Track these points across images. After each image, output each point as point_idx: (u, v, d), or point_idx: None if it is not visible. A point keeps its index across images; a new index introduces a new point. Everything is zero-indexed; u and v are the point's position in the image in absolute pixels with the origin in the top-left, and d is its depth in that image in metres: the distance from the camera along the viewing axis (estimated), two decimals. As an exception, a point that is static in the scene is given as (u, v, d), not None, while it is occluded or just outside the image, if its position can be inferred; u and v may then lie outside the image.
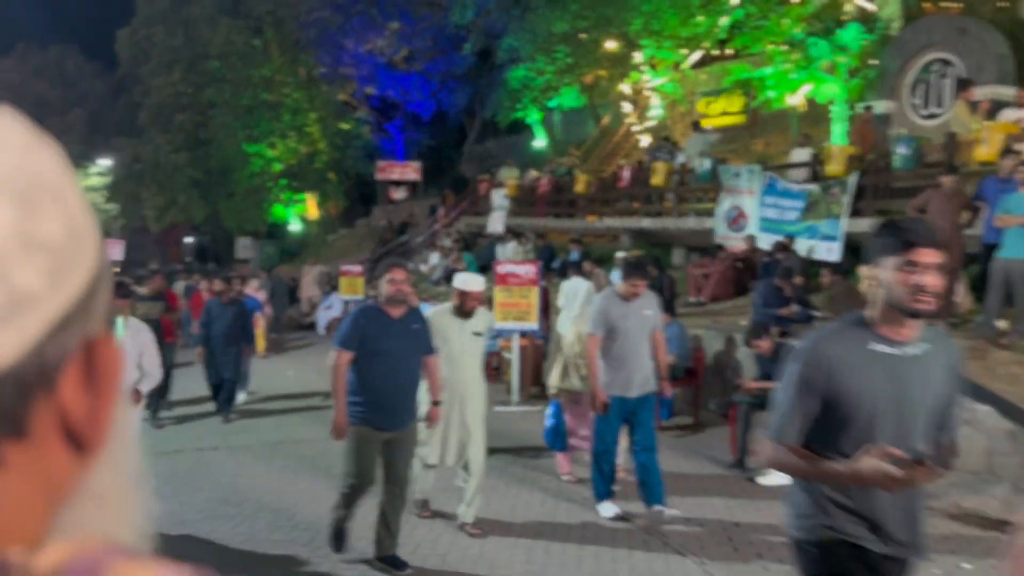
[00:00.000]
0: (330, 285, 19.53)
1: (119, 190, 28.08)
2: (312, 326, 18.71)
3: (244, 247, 30.23)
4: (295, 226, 30.10)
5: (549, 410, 6.70)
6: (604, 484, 5.65)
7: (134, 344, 4.74)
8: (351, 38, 26.91)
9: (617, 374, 5.43)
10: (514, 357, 9.80)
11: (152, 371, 4.80)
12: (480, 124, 28.96)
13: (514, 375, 9.77)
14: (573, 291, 10.93)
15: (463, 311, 5.40)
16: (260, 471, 6.76)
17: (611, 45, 21.46)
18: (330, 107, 27.87)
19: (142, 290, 8.47)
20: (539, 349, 10.73)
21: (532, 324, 9.70)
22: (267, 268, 26.50)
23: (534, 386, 10.48)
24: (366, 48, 27.39)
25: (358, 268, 17.61)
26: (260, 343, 14.61)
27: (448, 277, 17.77)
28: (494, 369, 11.82)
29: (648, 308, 5.54)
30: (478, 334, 5.77)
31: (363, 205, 30.61)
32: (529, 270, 9.76)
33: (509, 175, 20.89)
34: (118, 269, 25.06)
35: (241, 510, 5.65)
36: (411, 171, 26.39)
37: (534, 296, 9.72)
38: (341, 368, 4.42)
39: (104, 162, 30.09)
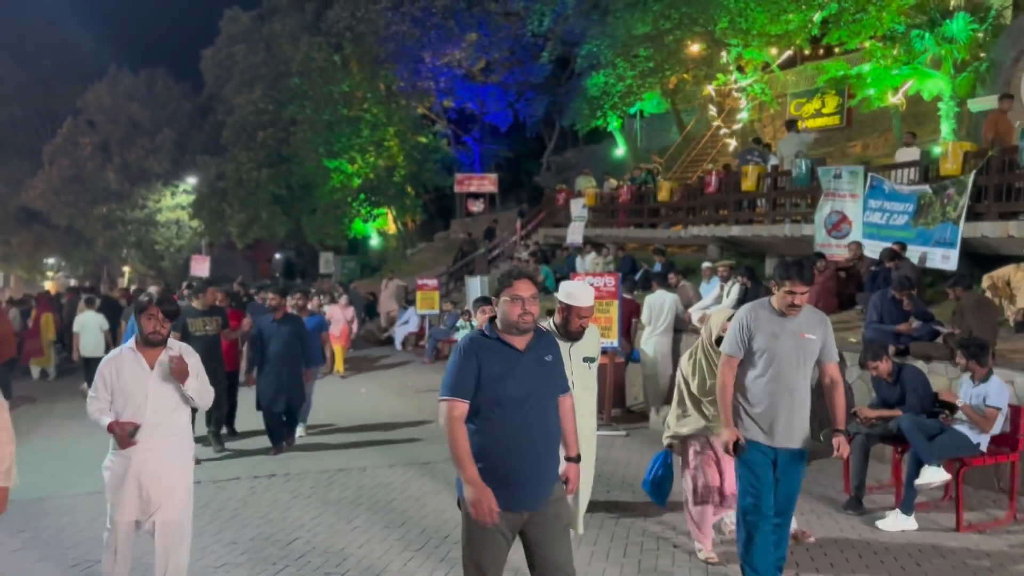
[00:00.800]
0: (407, 300, 19.20)
1: (203, 207, 28.69)
2: (390, 341, 18.39)
3: (326, 262, 30.52)
4: (374, 241, 30.13)
5: (656, 459, 5.30)
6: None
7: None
8: (429, 51, 26.79)
9: (756, 413, 4.01)
10: (593, 377, 9.06)
11: (196, 396, 4.06)
12: (558, 134, 28.40)
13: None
14: (658, 305, 10.12)
15: (569, 331, 4.42)
16: (315, 504, 6.23)
17: (695, 47, 20.58)
18: (408, 121, 27.82)
19: (196, 304, 7.98)
20: (620, 367, 9.95)
21: (612, 340, 8.93)
22: (346, 283, 26.57)
23: (615, 408, 9.71)
24: (443, 61, 27.24)
25: (434, 282, 17.19)
26: (339, 363, 14.20)
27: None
28: (572, 388, 11.10)
29: (811, 331, 4.00)
30: (590, 360, 4.83)
31: (441, 218, 30.43)
32: (609, 282, 9.00)
33: (587, 184, 20.15)
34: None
35: (288, 552, 5.10)
36: (488, 183, 25.99)
37: (614, 310, 8.95)
38: (457, 425, 3.09)
39: (191, 180, 30.83)
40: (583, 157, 27.15)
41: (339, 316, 14.20)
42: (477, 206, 27.56)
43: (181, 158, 31.33)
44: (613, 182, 19.53)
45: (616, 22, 20.43)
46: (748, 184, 14.37)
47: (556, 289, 14.81)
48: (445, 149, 29.10)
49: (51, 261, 40.13)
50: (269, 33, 27.70)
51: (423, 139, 28.21)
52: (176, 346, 4.13)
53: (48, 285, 37.65)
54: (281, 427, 8.16)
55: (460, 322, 14.02)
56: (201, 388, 4.11)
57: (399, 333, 18.23)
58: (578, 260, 17.43)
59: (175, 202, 31.59)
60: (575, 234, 18.03)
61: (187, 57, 32.70)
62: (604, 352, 9.22)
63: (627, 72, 20.70)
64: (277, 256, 36.83)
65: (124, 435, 3.85)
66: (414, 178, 28.15)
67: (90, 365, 11.46)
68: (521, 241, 21.96)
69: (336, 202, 27.42)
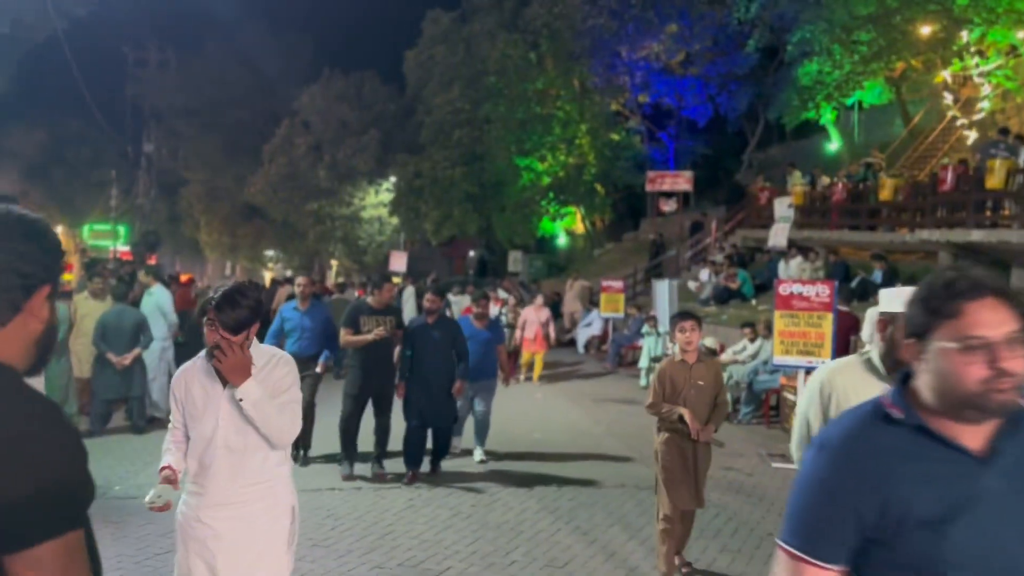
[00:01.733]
0: (591, 302, 18.48)
1: (400, 204, 29.58)
2: (572, 343, 17.76)
3: (515, 260, 30.50)
4: (562, 240, 29.70)
5: None
6: None
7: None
8: (625, 44, 25.87)
9: None
10: (800, 400, 7.81)
11: (264, 423, 2.76)
12: (762, 128, 26.41)
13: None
14: (881, 320, 8.64)
15: (897, 361, 2.63)
16: (473, 526, 5.62)
17: (926, 28, 18.15)
18: (601, 118, 27.06)
19: (371, 300, 7.49)
20: (832, 392, 8.59)
21: (824, 359, 7.65)
22: (533, 282, 26.32)
23: (824, 437, 8.37)
24: (641, 54, 26.18)
25: (619, 284, 16.32)
26: (536, 369, 13.01)
27: (721, 296, 15.88)
28: (771, 408, 9.83)
29: None
30: None
31: (631, 218, 29.38)
32: (822, 292, 7.72)
33: (795, 181, 18.35)
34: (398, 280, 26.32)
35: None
36: (682, 181, 24.64)
37: (828, 325, 7.66)
38: None
39: (393, 179, 31.96)
40: (790, 153, 25.03)
41: (533, 318, 13.00)
42: (669, 205, 26.23)
43: (385, 157, 32.55)
44: (825, 179, 17.64)
45: (834, 3, 18.45)
46: (993, 181, 12.24)
47: (754, 296, 13.25)
48: (638, 146, 28.04)
49: (270, 253, 43.45)
50: (468, 33, 28.06)
51: (615, 136, 27.34)
52: (265, 355, 2.88)
53: (266, 275, 40.87)
54: (419, 448, 6.95)
55: (645, 328, 13.07)
56: (280, 414, 2.76)
57: (582, 335, 17.54)
58: (781, 265, 15.86)
59: (378, 200, 32.90)
60: (779, 236, 16.42)
61: (394, 60, 33.94)
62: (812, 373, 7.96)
63: (845, 60, 18.67)
64: (471, 253, 37.48)
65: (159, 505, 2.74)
66: (604, 176, 27.36)
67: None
68: (716, 243, 20.52)
69: (525, 200, 27.23)
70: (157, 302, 8.97)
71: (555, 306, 20.82)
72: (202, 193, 40.35)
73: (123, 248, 39.33)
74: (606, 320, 16.55)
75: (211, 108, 40.35)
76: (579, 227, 29.90)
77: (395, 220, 31.33)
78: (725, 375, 10.31)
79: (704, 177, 26.49)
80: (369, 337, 6.77)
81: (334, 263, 39.66)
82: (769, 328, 10.21)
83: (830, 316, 7.66)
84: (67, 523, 1.20)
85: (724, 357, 10.60)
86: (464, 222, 28.05)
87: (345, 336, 6.97)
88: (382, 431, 7.02)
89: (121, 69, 46.00)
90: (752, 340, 10.54)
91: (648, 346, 12.76)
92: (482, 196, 27.95)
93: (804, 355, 7.69)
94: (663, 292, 13.66)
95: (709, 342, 11.32)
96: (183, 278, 17.73)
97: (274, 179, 34.51)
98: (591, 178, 27.08)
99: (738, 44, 24.24)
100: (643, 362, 12.84)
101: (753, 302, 14.92)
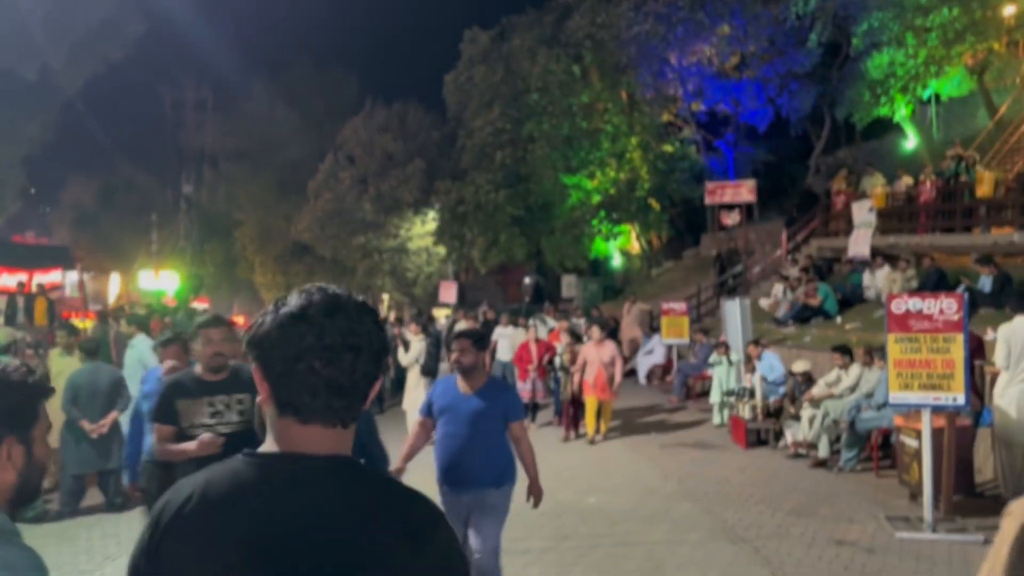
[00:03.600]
0: (651, 326, 16.83)
1: (444, 232, 28.54)
2: (632, 373, 16.01)
3: (568, 285, 29.03)
4: (616, 261, 28.11)
5: None
6: None
7: None
8: (675, 50, 24.34)
9: None
10: (925, 446, 6.08)
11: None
12: (829, 130, 24.48)
13: (926, 477, 6.03)
14: (1021, 338, 6.87)
15: None
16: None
17: (1011, 7, 16.26)
18: (652, 129, 25.53)
19: (408, 335, 6.22)
20: (967, 433, 6.81)
21: (956, 394, 5.94)
22: (593, 307, 24.77)
23: (958, 493, 6.58)
24: (691, 60, 24.64)
25: (682, 306, 14.67)
26: (598, 423, 10.40)
27: (800, 315, 14.01)
28: (879, 457, 8.06)
29: None
30: None
31: (690, 234, 27.59)
32: (948, 307, 6.00)
33: (875, 183, 16.46)
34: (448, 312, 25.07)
35: None
36: (745, 191, 22.85)
37: (958, 350, 5.94)
38: None
39: (440, 209, 31.05)
40: (862, 155, 23.04)
41: (593, 357, 10.35)
42: (732, 218, 24.43)
43: (429, 186, 31.75)
44: (908, 179, 15.72)
45: (906, -15, 16.69)
46: None
47: (838, 313, 10.80)
48: (693, 157, 26.33)
49: (322, 290, 42.99)
50: (508, 51, 27.01)
51: (669, 147, 25.72)
52: None
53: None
54: None
55: (714, 356, 11.37)
56: None
57: (643, 364, 15.88)
58: (866, 276, 14.02)
59: (424, 230, 32.03)
60: (860, 244, 14.57)
61: (436, 87, 33.25)
62: (941, 411, 6.23)
63: (919, 49, 16.87)
64: (526, 280, 36.28)
65: None
66: (659, 191, 25.71)
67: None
68: (788, 255, 18.67)
69: (575, 220, 25.77)
70: (140, 355, 7.77)
71: (613, 332, 19.24)
72: (255, 234, 40.49)
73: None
74: (669, 347, 14.90)
75: (260, 149, 40.59)
76: (634, 246, 28.25)
77: (441, 249, 30.39)
78: (819, 411, 8.59)
79: (768, 186, 24.65)
80: (191, 449, 3.67)
81: (385, 296, 38.94)
82: (870, 354, 8.48)
83: (960, 338, 5.95)
84: None
85: (816, 391, 8.86)
86: (511, 247, 26.74)
87: (158, 443, 3.90)
88: None
89: (160, 110, 46.62)
90: (845, 368, 8.79)
91: (719, 377, 11.06)
92: (529, 219, 26.65)
93: (929, 390, 5.98)
94: (734, 313, 11.95)
95: (800, 366, 9.61)
96: (237, 321, 16.91)
97: (320, 215, 34.08)
98: (644, 193, 25.48)
99: (797, 41, 22.52)
100: (714, 396, 11.14)
101: (838, 320, 13.06)
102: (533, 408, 11.85)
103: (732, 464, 8.58)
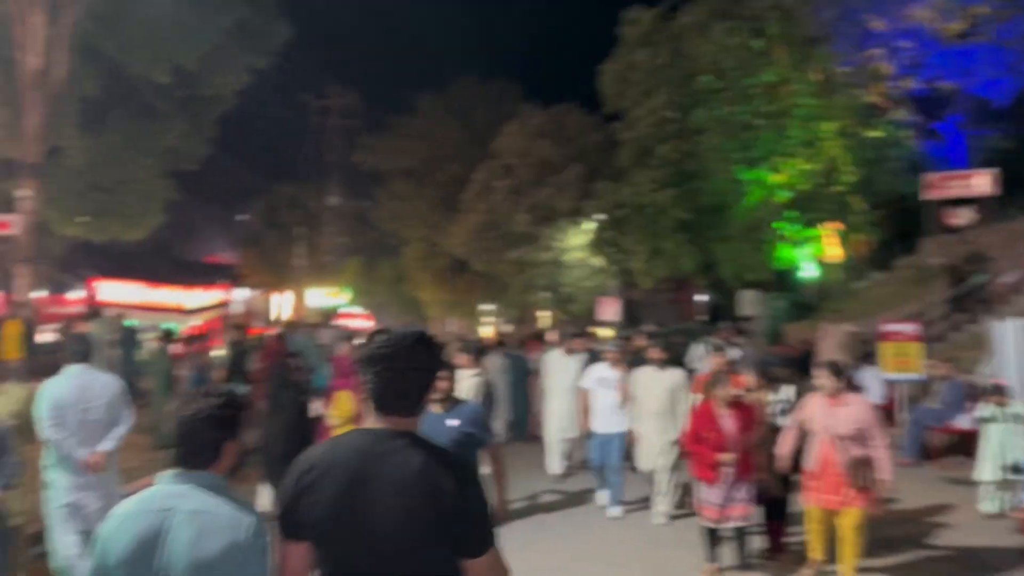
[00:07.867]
0: (863, 354, 12.73)
1: (600, 241, 25.51)
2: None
3: (747, 301, 24.91)
4: (809, 271, 23.57)
5: None
6: None
7: None
8: (880, 13, 20.00)
9: None
10: None
11: None
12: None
13: None
14: None
15: None
16: None
17: None
18: (852, 112, 21.13)
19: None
20: None
21: None
22: (771, 330, 20.62)
23: None
24: (904, 25, 20.19)
25: (911, 328, 10.62)
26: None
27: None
28: None
29: None
30: None
31: (904, 239, 22.62)
32: None
33: None
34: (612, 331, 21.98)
35: None
36: (980, 182, 18.01)
37: None
38: None
39: (597, 215, 28.28)
40: None
41: (823, 421, 5.68)
42: (962, 217, 19.51)
43: (587, 194, 29.15)
44: None
45: None
46: None
47: None
48: (907, 144, 21.52)
49: (486, 307, 41.33)
50: (674, 29, 23.67)
51: (876, 132, 21.10)
52: None
53: (487, 332, 38.57)
54: None
55: (985, 408, 7.31)
56: None
57: (852, 407, 11.83)
58: None
59: (580, 241, 29.38)
60: None
61: (596, 87, 30.76)
62: None
63: None
64: (699, 297, 32.51)
65: None
66: (863, 186, 21.11)
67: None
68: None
69: (755, 223, 21.72)
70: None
71: (804, 360, 15.11)
72: (421, 251, 39.97)
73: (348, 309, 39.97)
74: (891, 383, 10.87)
75: (425, 165, 40.25)
76: (831, 253, 23.61)
77: (597, 261, 27.53)
78: None
79: (1011, 175, 19.51)
80: None
81: (545, 315, 36.68)
82: None
83: None
84: None
85: None
86: (678, 256, 23.15)
87: None
88: None
89: (309, 125, 47.49)
90: None
91: (994, 439, 7.06)
92: (698, 223, 22.97)
93: None
94: (1007, 340, 7.88)
95: None
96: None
97: (473, 228, 32.54)
98: (846, 188, 21.06)
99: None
100: (986, 472, 7.09)
101: None
102: (739, 538, 6.09)
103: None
